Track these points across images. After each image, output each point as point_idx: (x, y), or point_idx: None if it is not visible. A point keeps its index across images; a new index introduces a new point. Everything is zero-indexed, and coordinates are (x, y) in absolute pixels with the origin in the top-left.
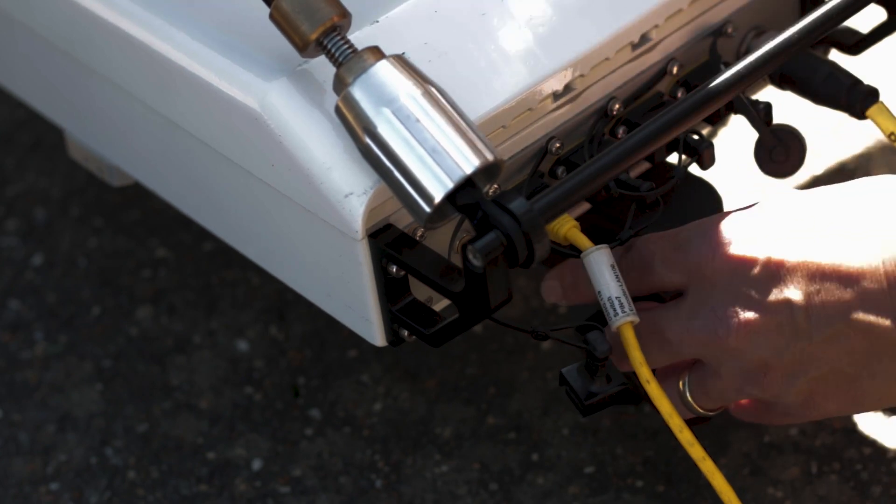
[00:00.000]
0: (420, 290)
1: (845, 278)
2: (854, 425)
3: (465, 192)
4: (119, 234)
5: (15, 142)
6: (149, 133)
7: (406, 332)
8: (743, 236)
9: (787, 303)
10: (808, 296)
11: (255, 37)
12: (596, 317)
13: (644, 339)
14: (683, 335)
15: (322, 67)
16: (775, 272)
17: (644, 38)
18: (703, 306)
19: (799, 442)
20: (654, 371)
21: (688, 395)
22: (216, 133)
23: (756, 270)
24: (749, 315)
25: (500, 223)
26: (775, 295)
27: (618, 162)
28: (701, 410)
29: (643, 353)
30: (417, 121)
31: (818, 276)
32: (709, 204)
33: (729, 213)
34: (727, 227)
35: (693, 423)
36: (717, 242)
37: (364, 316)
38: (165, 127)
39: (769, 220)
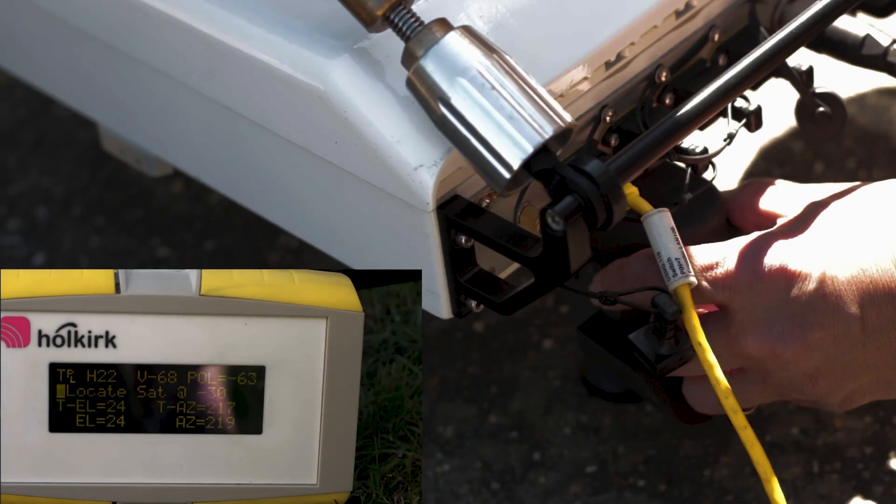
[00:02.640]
0: (483, 260)
1: None
2: (856, 425)
3: (539, 158)
4: (121, 233)
5: (17, 140)
6: (195, 119)
7: (473, 303)
8: (792, 253)
9: (844, 315)
10: (862, 308)
11: (309, 16)
12: (596, 317)
13: None
14: (731, 349)
15: (381, 43)
16: (830, 288)
17: (688, 6)
18: (756, 323)
19: (800, 441)
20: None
21: None
22: (273, 114)
23: (811, 287)
24: (807, 330)
25: (578, 186)
26: (832, 309)
27: (685, 124)
28: None
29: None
30: (493, 89)
31: (871, 289)
32: (710, 202)
33: (769, 230)
34: (774, 245)
35: (697, 419)
36: (766, 260)
37: (431, 289)
38: (215, 112)
39: (814, 234)
